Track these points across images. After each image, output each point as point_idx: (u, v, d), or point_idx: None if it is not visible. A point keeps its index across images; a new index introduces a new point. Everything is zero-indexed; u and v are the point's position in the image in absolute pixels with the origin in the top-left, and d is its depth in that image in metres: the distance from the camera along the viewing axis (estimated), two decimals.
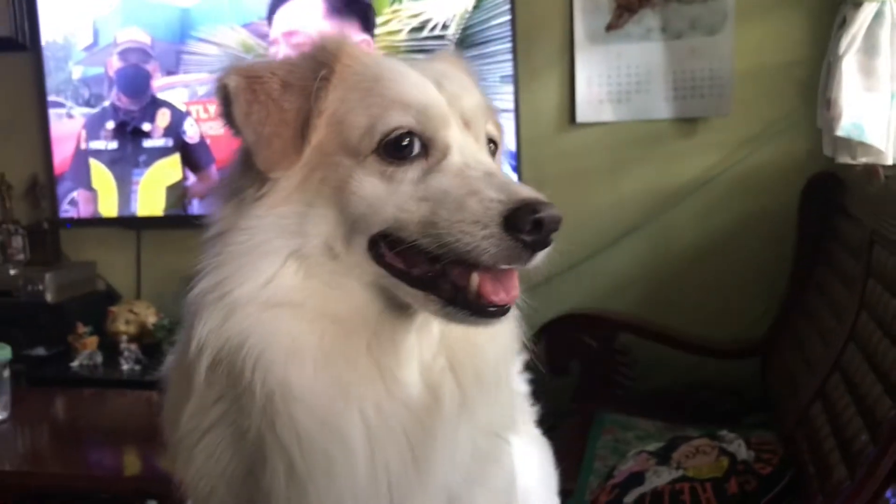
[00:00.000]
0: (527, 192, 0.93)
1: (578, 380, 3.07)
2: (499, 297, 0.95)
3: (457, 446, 1.03)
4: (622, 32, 3.05)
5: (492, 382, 1.07)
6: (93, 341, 3.22)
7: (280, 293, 0.96)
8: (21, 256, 3.47)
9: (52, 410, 2.76)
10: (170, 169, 3.40)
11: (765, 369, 2.86)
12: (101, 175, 3.46)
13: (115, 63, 3.44)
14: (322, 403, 0.95)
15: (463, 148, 1.01)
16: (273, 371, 0.93)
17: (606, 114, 3.11)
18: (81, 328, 3.23)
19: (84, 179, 3.48)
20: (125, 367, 3.14)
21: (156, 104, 3.40)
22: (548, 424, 1.64)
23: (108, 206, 3.47)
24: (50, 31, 3.48)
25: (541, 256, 0.94)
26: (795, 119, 2.93)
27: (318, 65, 1.01)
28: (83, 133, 3.48)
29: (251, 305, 0.95)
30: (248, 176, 1.00)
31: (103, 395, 2.90)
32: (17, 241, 3.46)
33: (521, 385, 1.50)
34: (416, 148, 0.99)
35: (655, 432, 2.66)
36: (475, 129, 1.05)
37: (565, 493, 2.31)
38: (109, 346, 3.23)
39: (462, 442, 1.03)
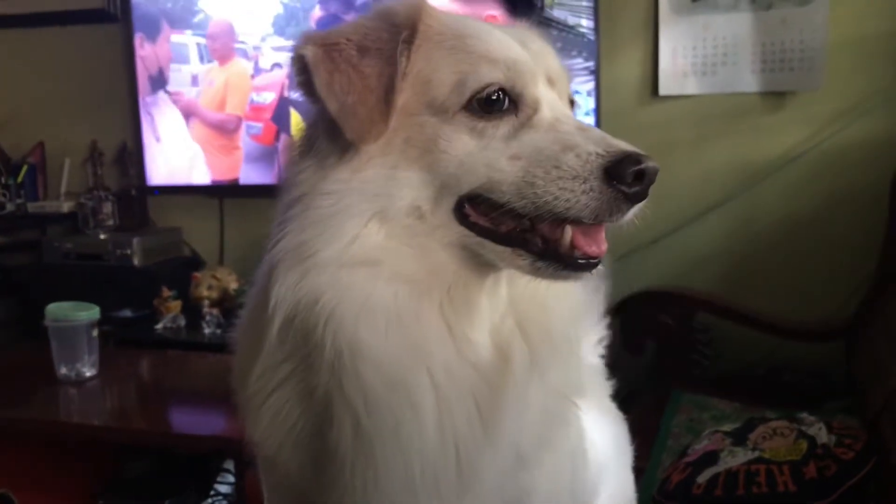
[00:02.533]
0: (624, 144, 0.93)
1: (654, 358, 3.02)
2: (591, 249, 0.96)
3: (526, 408, 1.02)
4: (709, 2, 2.96)
5: (562, 343, 1.07)
6: (177, 305, 3.32)
7: (360, 252, 0.96)
8: (111, 222, 3.59)
9: (137, 370, 2.85)
10: None
11: (850, 352, 2.77)
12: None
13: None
14: (391, 363, 0.95)
15: (552, 104, 1.00)
16: (343, 328, 0.94)
17: (691, 86, 3.03)
18: (166, 292, 3.33)
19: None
20: (207, 330, 3.22)
21: None
22: (621, 399, 1.63)
23: None
24: None
25: (635, 210, 0.94)
26: (891, 94, 2.81)
27: (398, 27, 0.99)
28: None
29: (331, 265, 0.95)
30: (330, 141, 1.00)
31: (185, 356, 2.99)
32: (107, 207, 3.58)
33: (595, 357, 1.48)
34: (506, 104, 0.98)
35: (732, 413, 2.60)
36: (560, 87, 1.04)
37: (638, 470, 2.29)
38: (192, 310, 3.32)
39: (532, 403, 1.03)
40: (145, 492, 2.58)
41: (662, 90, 3.05)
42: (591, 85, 3.02)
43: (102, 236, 3.53)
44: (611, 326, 1.60)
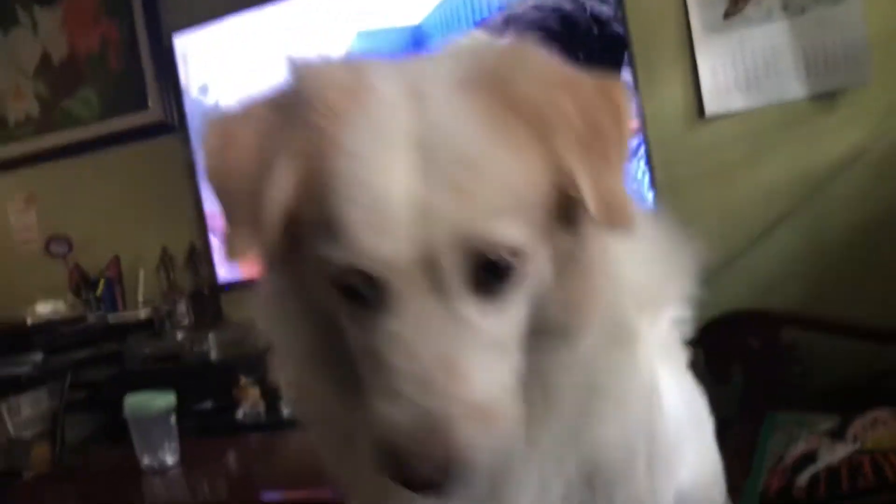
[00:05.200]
0: (409, 418, 0.69)
1: (743, 384, 2.87)
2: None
3: None
4: (741, 17, 2.93)
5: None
6: (255, 391, 3.33)
7: None
8: (186, 321, 3.67)
9: (219, 455, 2.84)
10: None
11: None
12: None
13: None
14: None
15: (406, 306, 0.73)
16: None
17: (737, 102, 2.98)
18: (244, 380, 3.35)
19: None
20: (286, 410, 3.22)
21: None
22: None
23: None
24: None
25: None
26: None
27: (287, 122, 0.77)
28: None
29: None
30: None
31: (268, 438, 2.99)
32: (181, 308, 3.67)
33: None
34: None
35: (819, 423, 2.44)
36: (450, 260, 0.73)
37: (735, 488, 2.15)
38: (271, 395, 3.33)
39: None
40: None
41: (709, 110, 3.01)
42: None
43: (179, 336, 3.60)
44: (694, 357, 1.53)
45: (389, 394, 0.71)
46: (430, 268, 0.72)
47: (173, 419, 2.65)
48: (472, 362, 0.72)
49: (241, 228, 0.78)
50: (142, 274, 3.89)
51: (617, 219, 0.77)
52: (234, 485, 2.61)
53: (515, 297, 0.77)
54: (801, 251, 2.96)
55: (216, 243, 3.69)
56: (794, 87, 2.90)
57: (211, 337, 3.51)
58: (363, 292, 0.75)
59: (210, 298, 3.76)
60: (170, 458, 2.63)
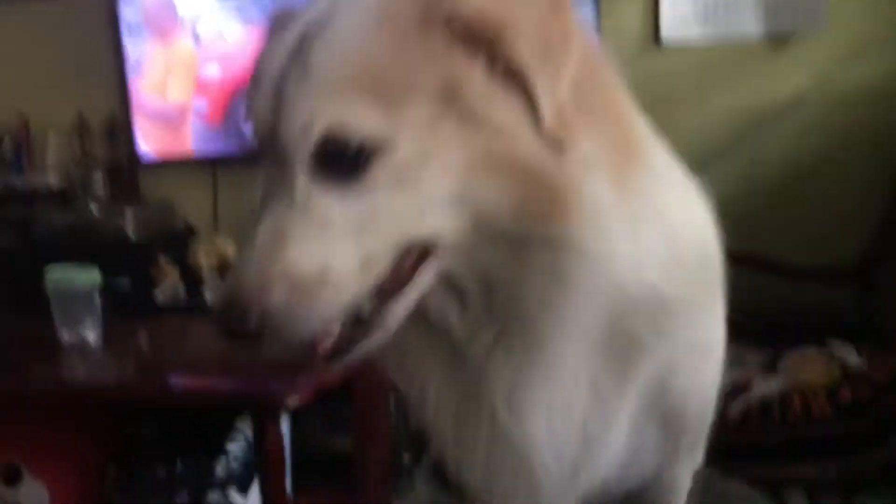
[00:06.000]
0: (235, 275, 0.78)
1: None
2: None
3: None
4: None
5: None
6: (174, 272, 3.23)
7: None
8: (101, 194, 3.49)
9: (142, 334, 2.77)
10: None
11: (863, 291, 2.75)
12: None
13: None
14: None
15: (262, 178, 0.82)
16: None
17: (693, 32, 3.00)
18: (163, 260, 3.24)
19: None
20: (209, 294, 3.14)
21: None
22: None
23: None
24: None
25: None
26: None
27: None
28: None
29: None
30: None
31: (189, 322, 2.92)
32: (97, 178, 3.48)
33: None
34: None
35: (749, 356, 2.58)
36: (292, 139, 0.77)
37: None
38: (191, 280, 3.24)
39: None
40: (156, 454, 2.52)
41: (665, 38, 3.02)
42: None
43: (93, 209, 3.42)
44: None
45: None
46: (277, 145, 0.77)
47: (97, 297, 2.55)
48: (299, 239, 0.76)
49: None
50: (52, 137, 3.64)
51: (564, 133, 0.79)
52: (146, 366, 2.54)
53: (376, 187, 0.76)
54: (734, 188, 3.01)
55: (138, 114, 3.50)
56: (751, 24, 2.94)
57: (128, 212, 3.35)
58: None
59: (128, 172, 3.57)
60: (92, 334, 2.54)
